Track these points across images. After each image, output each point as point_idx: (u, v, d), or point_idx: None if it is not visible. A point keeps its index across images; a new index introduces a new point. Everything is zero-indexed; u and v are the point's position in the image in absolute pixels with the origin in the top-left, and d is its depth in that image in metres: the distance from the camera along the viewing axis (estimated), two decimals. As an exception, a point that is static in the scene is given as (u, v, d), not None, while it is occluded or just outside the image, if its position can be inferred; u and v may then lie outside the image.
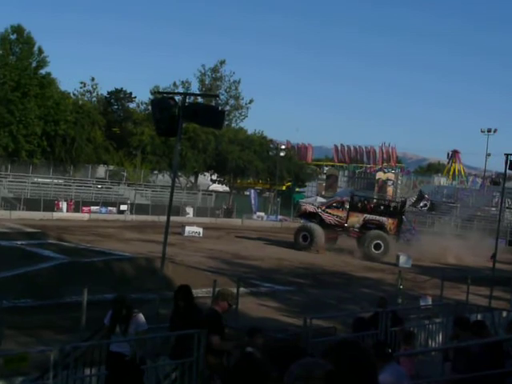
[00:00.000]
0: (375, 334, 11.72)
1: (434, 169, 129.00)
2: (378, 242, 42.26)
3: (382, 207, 46.84)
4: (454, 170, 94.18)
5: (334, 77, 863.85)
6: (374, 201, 51.16)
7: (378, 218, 44.45)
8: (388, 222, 44.24)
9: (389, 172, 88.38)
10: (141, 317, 9.86)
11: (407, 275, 27.07)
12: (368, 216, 44.52)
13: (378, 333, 11.83)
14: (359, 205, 46.07)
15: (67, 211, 57.46)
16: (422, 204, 50.57)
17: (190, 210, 65.62)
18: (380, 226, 43.99)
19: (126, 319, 9.76)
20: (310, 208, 46.82)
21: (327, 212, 45.26)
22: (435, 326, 14.76)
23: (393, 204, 48.65)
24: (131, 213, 60.81)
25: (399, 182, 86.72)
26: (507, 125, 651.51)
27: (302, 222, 48.73)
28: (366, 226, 44.20)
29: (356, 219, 44.54)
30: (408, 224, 50.57)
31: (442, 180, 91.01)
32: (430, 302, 19.35)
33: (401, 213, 46.22)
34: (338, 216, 44.86)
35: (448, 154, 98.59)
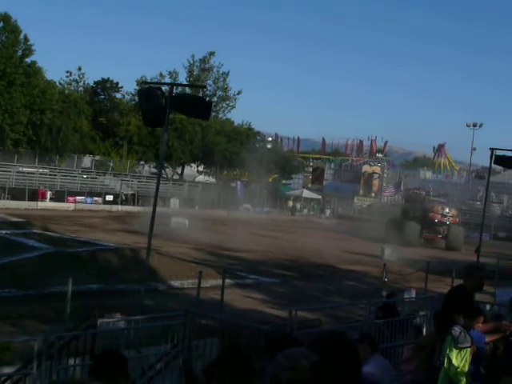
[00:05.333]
0: (360, 325, 11.75)
1: (419, 162, 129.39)
2: None
3: None
4: (440, 164, 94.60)
5: (321, 69, 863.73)
6: None
7: None
8: None
9: (375, 165, 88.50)
10: None
11: (392, 268, 27.13)
12: None
13: (362, 325, 11.87)
14: None
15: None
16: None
17: (175, 202, 65.43)
18: None
19: None
20: None
21: None
22: (419, 319, 14.81)
23: None
24: (118, 203, 60.76)
25: (385, 175, 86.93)
26: (493, 119, 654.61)
27: None
28: None
29: None
30: None
31: (427, 174, 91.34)
32: (414, 295, 19.41)
33: None
34: None
35: (434, 148, 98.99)
